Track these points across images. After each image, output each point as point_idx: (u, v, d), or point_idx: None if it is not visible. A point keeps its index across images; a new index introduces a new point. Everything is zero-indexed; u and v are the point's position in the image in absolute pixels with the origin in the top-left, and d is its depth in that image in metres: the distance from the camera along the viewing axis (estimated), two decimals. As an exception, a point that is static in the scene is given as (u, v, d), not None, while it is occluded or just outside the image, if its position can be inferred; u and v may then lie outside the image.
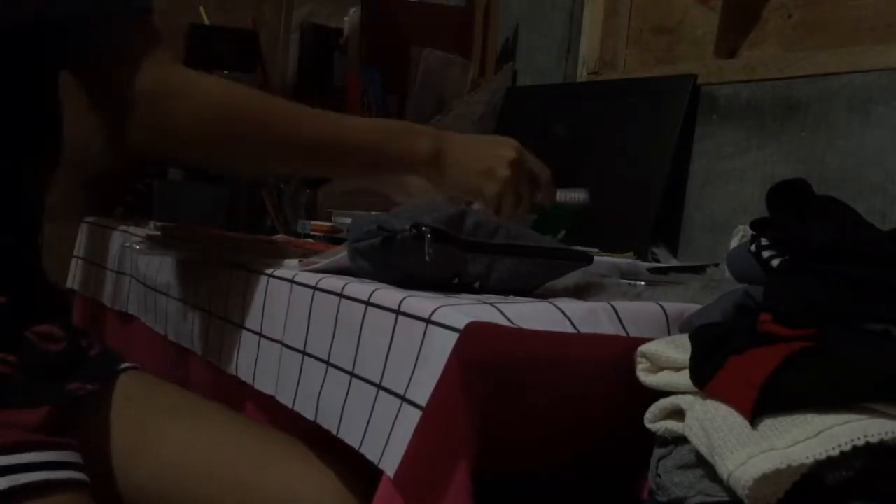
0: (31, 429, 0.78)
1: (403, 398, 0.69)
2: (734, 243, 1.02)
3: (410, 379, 0.69)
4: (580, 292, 0.83)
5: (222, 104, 0.86)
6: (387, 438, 0.69)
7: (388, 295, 0.74)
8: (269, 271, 0.93)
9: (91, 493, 0.80)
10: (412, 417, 0.67)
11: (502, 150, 0.97)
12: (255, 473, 0.85)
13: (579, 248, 0.99)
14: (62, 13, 0.80)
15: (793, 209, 0.71)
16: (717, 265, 1.08)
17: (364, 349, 0.76)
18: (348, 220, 1.15)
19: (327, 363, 0.80)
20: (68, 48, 0.82)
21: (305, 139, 0.90)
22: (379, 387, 0.72)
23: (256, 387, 0.93)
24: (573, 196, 1.05)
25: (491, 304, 0.70)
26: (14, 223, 0.89)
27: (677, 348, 0.68)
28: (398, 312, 0.72)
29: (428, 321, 0.68)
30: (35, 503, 0.74)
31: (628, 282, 0.91)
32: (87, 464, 0.83)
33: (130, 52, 0.82)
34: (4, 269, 0.86)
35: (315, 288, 0.84)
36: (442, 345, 0.66)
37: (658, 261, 1.15)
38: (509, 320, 0.69)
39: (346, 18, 1.75)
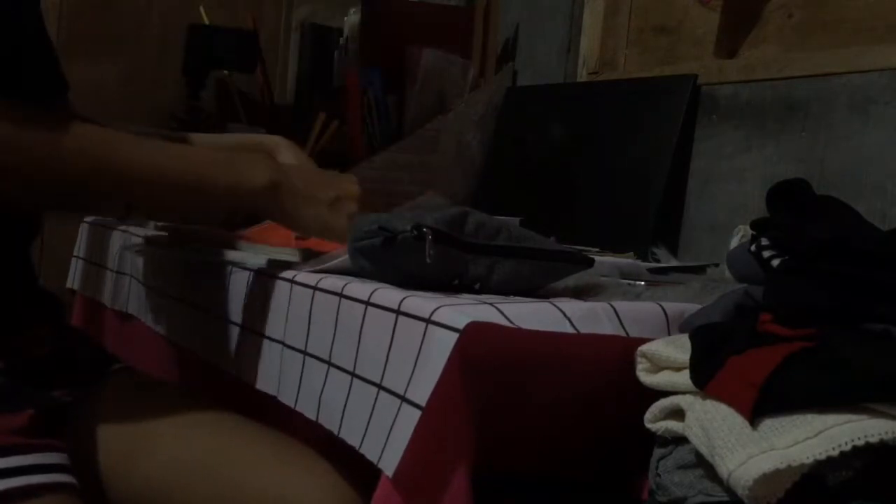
0: (14, 432, 0.78)
1: (403, 398, 0.69)
2: (734, 243, 1.01)
3: (410, 379, 0.69)
4: (580, 292, 0.83)
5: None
6: (386, 438, 0.69)
7: (388, 295, 0.75)
8: (269, 271, 0.93)
9: (80, 495, 0.80)
10: (412, 417, 0.67)
11: (347, 183, 0.92)
12: (253, 474, 0.85)
13: (580, 248, 0.99)
14: None
15: (793, 209, 0.71)
16: (717, 265, 1.08)
17: (364, 349, 0.76)
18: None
19: (328, 363, 0.80)
20: None
21: (121, 168, 0.81)
22: (379, 387, 0.72)
23: (258, 387, 0.93)
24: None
25: (491, 304, 0.70)
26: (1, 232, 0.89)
27: (677, 348, 0.68)
28: (398, 312, 0.72)
29: (428, 321, 0.68)
30: None
31: (628, 282, 0.91)
32: (78, 468, 0.83)
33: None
34: None
35: (315, 288, 0.84)
36: (442, 345, 0.66)
37: (658, 261, 1.15)
38: (509, 320, 0.69)
39: (346, 18, 1.75)
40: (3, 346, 0.84)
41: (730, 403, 0.60)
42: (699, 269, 1.07)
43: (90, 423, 0.89)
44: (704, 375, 0.63)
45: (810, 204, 0.72)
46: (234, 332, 0.98)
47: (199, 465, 0.87)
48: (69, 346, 0.94)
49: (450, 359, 0.66)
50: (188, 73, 1.66)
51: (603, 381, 0.74)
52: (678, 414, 0.65)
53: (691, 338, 0.67)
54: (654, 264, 1.09)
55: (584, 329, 0.72)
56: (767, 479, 0.54)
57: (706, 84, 1.28)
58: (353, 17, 1.72)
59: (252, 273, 0.96)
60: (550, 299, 0.77)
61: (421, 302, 0.71)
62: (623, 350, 0.72)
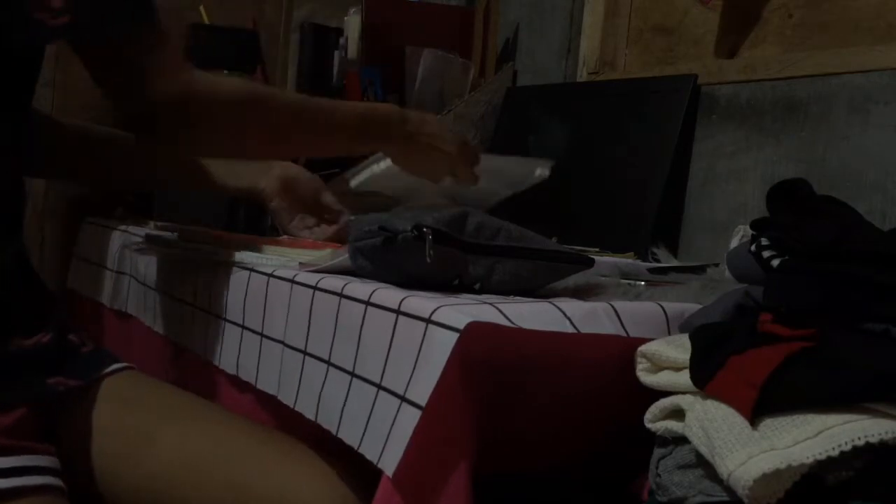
0: (5, 432, 0.78)
1: (403, 398, 0.69)
2: (734, 243, 1.01)
3: (410, 379, 0.69)
4: (580, 292, 0.83)
5: (242, 101, 0.94)
6: (386, 438, 0.69)
7: (388, 295, 0.74)
8: (269, 271, 0.93)
9: (67, 498, 0.80)
10: (412, 417, 0.67)
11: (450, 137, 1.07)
12: (252, 474, 0.85)
13: (579, 248, 0.99)
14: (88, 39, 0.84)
15: (793, 209, 0.71)
16: (717, 265, 1.08)
17: (364, 349, 0.76)
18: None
19: (328, 363, 0.80)
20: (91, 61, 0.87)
21: (305, 122, 0.98)
22: (379, 387, 0.72)
23: (259, 387, 0.93)
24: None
25: (491, 304, 0.70)
26: None
27: (677, 348, 0.68)
28: (398, 312, 0.72)
29: (428, 321, 0.68)
30: None
31: (628, 282, 0.91)
32: (72, 469, 0.83)
33: (154, 65, 0.87)
34: None
35: (315, 288, 0.84)
36: (442, 345, 0.66)
37: (658, 261, 1.15)
38: (509, 320, 0.69)
39: (346, 18, 1.75)
40: None
41: (730, 403, 0.60)
42: (699, 269, 1.07)
43: (86, 423, 0.89)
44: (704, 375, 0.63)
45: (810, 204, 0.72)
46: (235, 332, 0.98)
47: (197, 465, 0.86)
48: (72, 340, 0.94)
49: (450, 359, 0.66)
50: (188, 73, 1.66)
51: (603, 381, 0.74)
52: (678, 414, 0.65)
53: (691, 338, 0.67)
54: (654, 264, 1.09)
55: (585, 329, 0.72)
56: (767, 479, 0.54)
57: (706, 84, 1.28)
58: (353, 17, 1.72)
59: (252, 273, 0.96)
60: (550, 299, 0.77)
61: (421, 302, 0.71)
62: (623, 350, 0.72)
